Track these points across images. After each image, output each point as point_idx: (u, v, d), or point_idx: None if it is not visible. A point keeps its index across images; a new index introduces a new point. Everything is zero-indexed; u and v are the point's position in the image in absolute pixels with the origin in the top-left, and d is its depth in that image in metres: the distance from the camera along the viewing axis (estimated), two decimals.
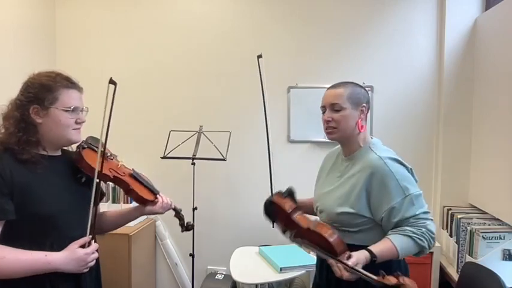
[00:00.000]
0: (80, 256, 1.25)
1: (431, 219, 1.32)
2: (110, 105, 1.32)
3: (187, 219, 2.59)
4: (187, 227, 1.71)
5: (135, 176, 1.53)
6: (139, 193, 1.49)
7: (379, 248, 1.28)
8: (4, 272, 1.16)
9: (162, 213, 1.58)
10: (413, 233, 1.27)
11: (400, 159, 1.41)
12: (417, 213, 1.29)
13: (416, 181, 1.40)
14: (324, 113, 1.56)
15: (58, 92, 1.30)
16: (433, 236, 1.29)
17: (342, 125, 1.47)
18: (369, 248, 1.28)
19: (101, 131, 1.33)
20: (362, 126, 1.48)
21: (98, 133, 1.54)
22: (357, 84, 1.56)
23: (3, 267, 1.15)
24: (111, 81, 1.31)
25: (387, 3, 2.71)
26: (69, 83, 1.34)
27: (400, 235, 1.28)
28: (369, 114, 1.54)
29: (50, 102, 1.28)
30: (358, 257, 1.23)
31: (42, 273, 1.21)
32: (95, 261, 1.31)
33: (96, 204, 1.34)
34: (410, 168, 1.40)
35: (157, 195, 1.55)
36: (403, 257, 1.31)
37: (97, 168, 1.32)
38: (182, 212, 1.71)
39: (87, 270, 1.29)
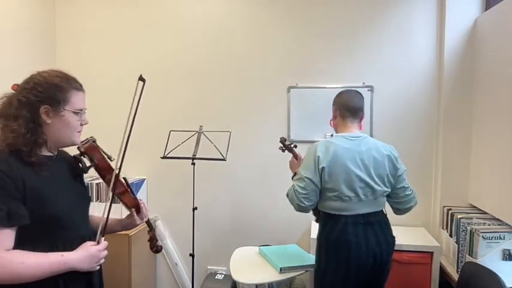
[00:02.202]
0: (93, 253, 1.27)
1: (295, 190, 1.88)
2: (137, 102, 1.37)
3: (188, 219, 2.62)
4: (157, 249, 1.70)
5: (127, 182, 1.56)
6: (131, 196, 1.53)
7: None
8: (24, 276, 1.15)
9: (141, 222, 1.60)
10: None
11: (319, 151, 1.88)
12: (293, 180, 1.97)
13: (317, 170, 1.86)
14: None
15: (69, 94, 1.29)
16: (288, 197, 1.95)
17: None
18: (295, 173, 2.04)
19: (125, 127, 1.40)
20: (333, 124, 2.06)
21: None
22: (340, 93, 2.06)
23: (23, 273, 1.15)
24: (141, 78, 1.34)
25: (387, 4, 2.71)
26: (79, 85, 1.35)
27: None
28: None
29: (63, 103, 1.27)
30: (292, 163, 2.20)
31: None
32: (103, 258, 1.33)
33: (111, 202, 1.38)
34: (318, 158, 1.86)
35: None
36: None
37: (115, 170, 1.38)
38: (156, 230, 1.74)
39: (98, 267, 1.31)
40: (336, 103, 2.02)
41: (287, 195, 1.97)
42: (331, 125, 2.10)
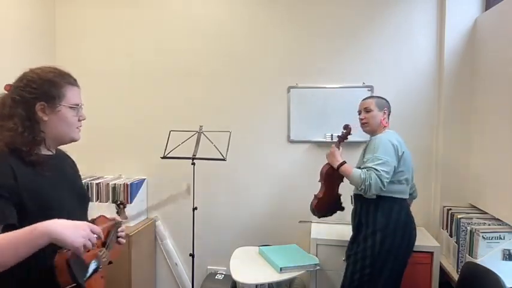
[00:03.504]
0: (81, 224, 1.09)
1: (380, 174, 1.99)
2: None
3: (188, 219, 2.62)
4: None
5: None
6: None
7: (346, 166, 2.15)
8: None
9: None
10: (363, 171, 2.04)
11: (393, 140, 2.08)
12: (370, 165, 2.03)
13: (398, 156, 2.06)
14: (360, 115, 2.26)
15: (64, 89, 1.27)
16: (371, 181, 1.99)
17: (371, 121, 2.19)
18: (344, 161, 2.17)
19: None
20: (386, 123, 2.22)
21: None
22: (381, 97, 2.28)
23: None
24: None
25: (387, 4, 2.71)
26: (73, 80, 1.32)
27: (358, 168, 2.11)
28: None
29: (59, 99, 1.25)
30: (335, 153, 2.23)
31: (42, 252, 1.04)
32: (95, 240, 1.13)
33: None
34: (397, 146, 2.06)
35: None
36: (351, 178, 2.09)
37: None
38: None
39: (89, 244, 1.08)
40: (386, 107, 2.25)
41: (364, 180, 2.00)
42: (385, 124, 2.21)
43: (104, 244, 1.35)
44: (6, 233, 1.03)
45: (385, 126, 2.20)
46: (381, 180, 2.00)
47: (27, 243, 1.01)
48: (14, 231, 1.04)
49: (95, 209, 2.77)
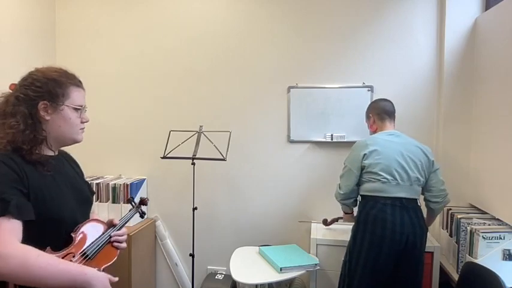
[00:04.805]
0: (108, 285, 1.21)
1: (340, 185, 2.26)
2: None
3: (188, 219, 2.62)
4: None
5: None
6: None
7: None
8: (37, 273, 1.04)
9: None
10: None
11: (361, 142, 2.21)
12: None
13: (360, 157, 2.15)
14: None
15: (69, 89, 1.27)
16: (337, 194, 2.31)
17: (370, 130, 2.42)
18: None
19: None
20: (372, 128, 2.37)
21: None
22: (372, 102, 2.44)
23: (38, 268, 1.04)
24: None
25: (387, 3, 2.71)
26: (78, 81, 1.32)
27: None
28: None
29: (62, 99, 1.24)
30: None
31: None
32: None
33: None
34: (360, 148, 2.18)
35: None
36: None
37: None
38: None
39: None
40: (372, 110, 2.35)
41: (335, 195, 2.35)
42: (370, 129, 2.40)
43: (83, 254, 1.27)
44: (55, 257, 1.12)
45: (372, 131, 2.34)
46: (339, 185, 2.27)
47: (70, 280, 1.10)
48: (66, 262, 1.14)
49: (95, 209, 2.77)
